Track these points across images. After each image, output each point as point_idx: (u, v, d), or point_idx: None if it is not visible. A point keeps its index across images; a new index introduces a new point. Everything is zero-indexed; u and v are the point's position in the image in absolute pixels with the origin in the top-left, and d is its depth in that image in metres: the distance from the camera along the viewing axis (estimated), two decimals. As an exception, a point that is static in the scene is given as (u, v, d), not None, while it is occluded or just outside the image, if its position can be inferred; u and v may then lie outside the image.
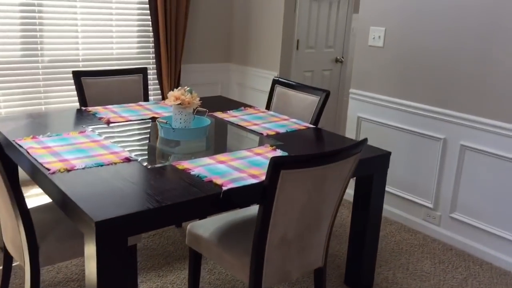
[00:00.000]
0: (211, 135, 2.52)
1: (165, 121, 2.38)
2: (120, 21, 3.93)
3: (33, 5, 3.51)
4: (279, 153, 2.23)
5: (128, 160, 2.04)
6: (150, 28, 4.04)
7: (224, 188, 1.78)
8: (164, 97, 4.19)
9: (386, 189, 3.44)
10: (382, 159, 2.36)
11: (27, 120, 2.58)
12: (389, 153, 2.37)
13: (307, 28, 4.32)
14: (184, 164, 2.02)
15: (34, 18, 3.53)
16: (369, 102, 3.47)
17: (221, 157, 2.14)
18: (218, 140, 2.46)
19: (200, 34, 4.38)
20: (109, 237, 1.52)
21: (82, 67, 3.81)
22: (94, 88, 3.10)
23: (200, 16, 4.33)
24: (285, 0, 3.99)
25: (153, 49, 4.09)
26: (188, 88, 2.43)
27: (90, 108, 2.87)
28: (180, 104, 2.37)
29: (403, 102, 3.25)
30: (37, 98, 3.67)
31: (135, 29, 4.03)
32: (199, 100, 2.45)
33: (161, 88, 4.16)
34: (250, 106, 3.14)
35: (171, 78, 4.13)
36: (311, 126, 2.76)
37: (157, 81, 4.18)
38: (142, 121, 2.68)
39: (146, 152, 2.18)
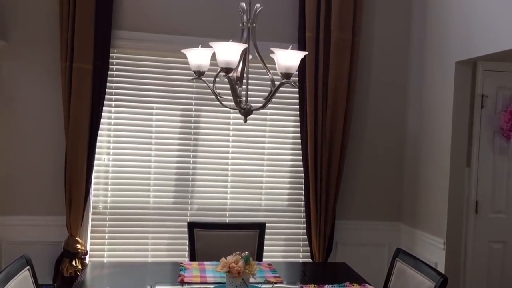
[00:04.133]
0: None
1: (205, 290, 2.16)
2: (271, 172, 3.98)
3: (189, 156, 3.88)
4: None
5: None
6: (302, 180, 3.94)
7: None
8: (313, 257, 3.89)
9: None
10: None
11: (117, 269, 2.70)
12: None
13: (490, 187, 3.54)
14: None
15: (188, 168, 3.88)
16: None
17: None
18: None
19: (362, 187, 4.05)
20: None
21: (228, 216, 3.91)
22: (205, 241, 3.11)
23: (361, 166, 4.04)
24: (452, 154, 3.40)
25: (304, 202, 3.94)
26: (245, 254, 2.18)
27: (184, 263, 2.85)
28: (228, 272, 2.12)
29: None
30: (182, 244, 3.85)
31: (286, 180, 4.01)
32: (257, 269, 2.16)
33: (310, 246, 3.89)
34: (362, 283, 2.61)
35: (320, 236, 3.85)
36: (411, 323, 2.09)
37: (306, 237, 3.94)
38: (218, 284, 2.49)
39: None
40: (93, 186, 3.72)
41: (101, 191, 3.80)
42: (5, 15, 3.55)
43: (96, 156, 3.68)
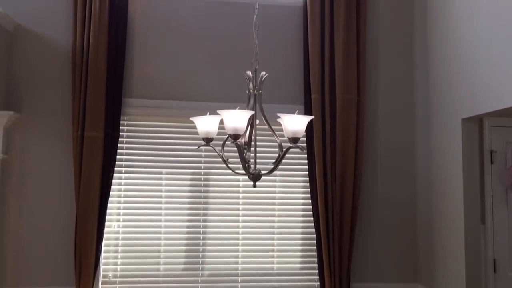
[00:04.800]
0: None
1: None
2: (282, 235, 3.94)
3: (199, 221, 3.87)
4: None
5: None
6: (314, 242, 3.88)
7: None
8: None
9: None
10: None
11: None
12: None
13: (507, 245, 3.46)
14: None
15: (198, 233, 3.86)
16: None
17: None
18: None
19: (376, 247, 3.98)
20: None
21: (240, 282, 3.84)
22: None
23: (374, 226, 3.99)
24: (465, 211, 3.36)
25: (317, 264, 3.86)
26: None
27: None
28: None
29: None
30: (194, 312, 3.77)
31: (298, 242, 3.96)
32: None
33: (326, 312, 3.78)
34: None
35: (335, 301, 3.74)
36: None
37: (321, 303, 3.84)
38: None
39: None
40: (103, 254, 3.69)
41: (111, 259, 3.76)
42: (19, 88, 3.68)
43: (106, 223, 3.68)
